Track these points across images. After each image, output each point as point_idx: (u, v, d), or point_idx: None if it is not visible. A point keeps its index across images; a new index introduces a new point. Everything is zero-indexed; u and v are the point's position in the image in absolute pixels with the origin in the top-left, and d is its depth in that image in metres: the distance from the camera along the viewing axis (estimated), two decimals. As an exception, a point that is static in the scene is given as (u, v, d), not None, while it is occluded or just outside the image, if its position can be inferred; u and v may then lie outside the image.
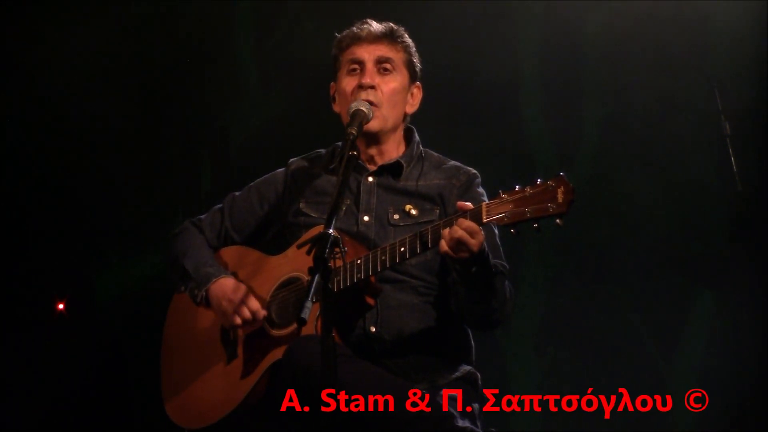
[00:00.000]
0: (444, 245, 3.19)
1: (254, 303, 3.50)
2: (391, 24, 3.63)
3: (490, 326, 3.47)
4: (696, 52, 5.02)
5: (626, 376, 5.00)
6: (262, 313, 3.49)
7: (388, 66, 3.59)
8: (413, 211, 3.53)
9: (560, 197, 3.06)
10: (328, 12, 5.21)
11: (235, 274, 3.64)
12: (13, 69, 5.28)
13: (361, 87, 3.54)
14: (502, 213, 3.13)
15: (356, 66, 3.59)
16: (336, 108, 3.66)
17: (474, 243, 3.16)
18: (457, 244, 3.16)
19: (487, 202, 3.18)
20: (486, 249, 3.24)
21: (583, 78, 5.14)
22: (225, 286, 3.55)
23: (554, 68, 5.15)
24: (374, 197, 3.56)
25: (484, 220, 3.16)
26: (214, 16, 5.37)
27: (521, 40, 5.20)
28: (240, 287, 3.53)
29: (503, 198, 3.14)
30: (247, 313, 3.49)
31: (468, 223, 3.16)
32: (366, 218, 3.53)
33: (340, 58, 3.64)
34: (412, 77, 3.65)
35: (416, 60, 3.66)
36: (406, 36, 3.64)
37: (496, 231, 3.52)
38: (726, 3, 4.97)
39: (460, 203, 3.22)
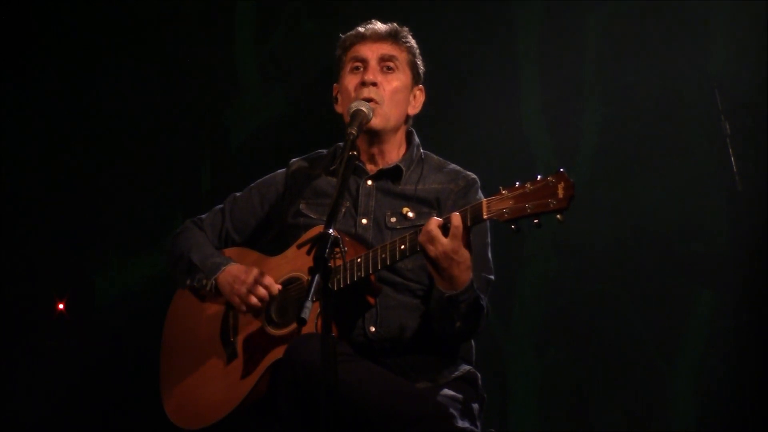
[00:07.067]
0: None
1: (267, 278, 3.50)
2: (396, 25, 3.64)
3: (447, 342, 3.49)
4: (696, 52, 5.01)
5: (626, 376, 5.00)
6: (276, 287, 3.49)
7: (391, 64, 3.59)
8: (410, 214, 3.53)
9: (561, 193, 3.07)
10: (328, 12, 5.21)
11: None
12: (12, 68, 5.28)
13: (363, 84, 3.54)
14: (502, 209, 3.14)
15: (359, 64, 3.59)
16: (338, 108, 3.66)
17: (431, 249, 3.19)
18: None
19: (488, 198, 3.18)
20: (473, 296, 3.29)
21: (583, 78, 5.14)
22: (235, 270, 3.56)
23: (554, 68, 5.15)
24: (372, 200, 3.56)
25: (485, 216, 3.17)
26: (214, 16, 5.37)
27: (521, 40, 5.20)
28: (250, 269, 3.53)
29: (503, 194, 3.15)
30: (262, 291, 3.49)
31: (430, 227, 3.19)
32: (364, 221, 3.54)
33: (343, 58, 3.64)
34: (415, 79, 3.65)
35: (420, 62, 3.66)
36: (411, 37, 3.65)
37: (488, 241, 3.53)
38: (726, 3, 4.97)
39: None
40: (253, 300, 3.50)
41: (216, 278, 3.60)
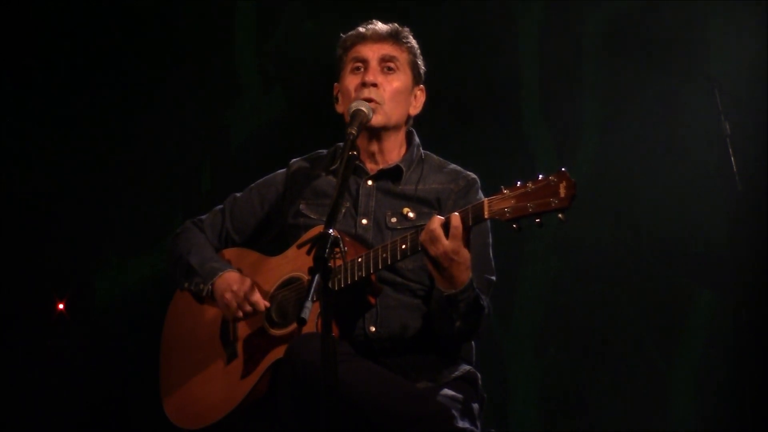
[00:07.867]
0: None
1: (256, 295, 3.50)
2: (397, 25, 3.64)
3: (448, 343, 3.48)
4: (696, 52, 5.02)
5: (626, 376, 5.00)
6: (263, 304, 3.50)
7: (392, 65, 3.58)
8: (411, 214, 3.53)
9: (562, 192, 3.07)
10: (328, 12, 5.21)
11: (236, 274, 3.65)
12: (12, 68, 5.28)
13: (364, 85, 3.54)
14: (504, 208, 3.14)
15: (360, 64, 3.59)
16: (339, 108, 3.65)
17: (432, 248, 3.19)
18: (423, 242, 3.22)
19: (489, 197, 3.18)
20: (472, 295, 3.28)
21: (583, 78, 5.14)
22: (230, 278, 3.56)
23: (554, 68, 5.15)
24: (373, 200, 3.56)
25: (486, 216, 3.17)
26: (214, 16, 5.37)
27: (521, 40, 5.20)
28: (244, 280, 3.54)
29: (505, 193, 3.15)
30: (247, 306, 3.50)
31: (432, 227, 3.19)
32: (364, 221, 3.54)
33: (344, 58, 3.63)
34: (416, 79, 3.64)
35: (420, 62, 3.65)
36: (411, 37, 3.64)
37: (489, 241, 3.52)
38: (726, 3, 4.98)
39: None
40: (240, 315, 3.52)
41: (213, 283, 3.60)
